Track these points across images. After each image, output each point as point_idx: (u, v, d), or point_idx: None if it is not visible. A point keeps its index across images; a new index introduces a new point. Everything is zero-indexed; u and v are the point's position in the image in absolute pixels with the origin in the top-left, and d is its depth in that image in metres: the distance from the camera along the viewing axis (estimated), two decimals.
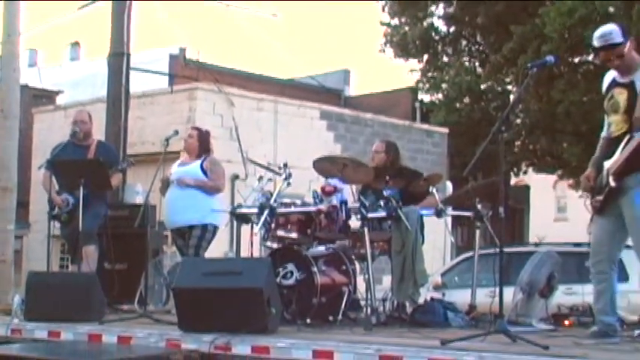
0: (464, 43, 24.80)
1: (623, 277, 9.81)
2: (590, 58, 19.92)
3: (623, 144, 6.37)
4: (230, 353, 6.38)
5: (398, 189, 8.67)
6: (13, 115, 13.87)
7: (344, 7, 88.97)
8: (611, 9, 18.64)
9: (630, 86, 6.44)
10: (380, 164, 9.01)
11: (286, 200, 8.31)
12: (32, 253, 20.10)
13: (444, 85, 24.04)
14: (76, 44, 40.53)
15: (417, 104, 27.19)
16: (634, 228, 6.41)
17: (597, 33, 6.58)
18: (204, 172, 9.38)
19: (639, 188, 6.33)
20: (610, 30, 6.52)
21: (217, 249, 9.79)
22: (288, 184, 8.30)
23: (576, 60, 20.79)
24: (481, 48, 24.46)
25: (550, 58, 7.28)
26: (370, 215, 7.89)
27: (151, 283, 10.27)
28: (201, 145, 9.58)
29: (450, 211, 9.19)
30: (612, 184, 6.43)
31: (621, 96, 6.48)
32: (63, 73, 32.62)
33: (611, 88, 6.61)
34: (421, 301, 8.49)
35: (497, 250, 6.69)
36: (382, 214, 8.07)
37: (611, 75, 6.69)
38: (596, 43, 6.57)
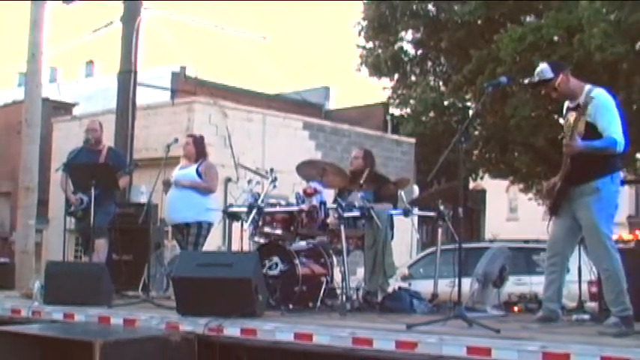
0: (429, 64, 24.81)
1: None
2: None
3: None
4: (222, 334, 6.35)
5: (371, 191, 8.67)
6: (35, 124, 13.87)
7: (325, 32, 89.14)
8: (555, 38, 18.70)
9: (577, 108, 6.49)
10: (357, 168, 8.98)
11: (272, 201, 8.28)
12: (51, 245, 20.03)
13: (411, 101, 24.05)
14: (90, 63, 40.48)
15: (388, 117, 27.18)
16: (590, 232, 6.43)
17: (535, 72, 6.73)
18: (200, 174, 9.37)
19: (594, 196, 6.36)
20: (542, 69, 6.66)
21: (211, 243, 9.75)
22: (274, 186, 8.28)
23: (526, 81, 20.85)
24: (444, 69, 24.47)
25: (503, 79, 7.34)
26: (346, 214, 7.87)
27: (153, 272, 10.22)
28: (198, 149, 9.57)
29: (416, 211, 9.18)
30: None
31: (572, 118, 6.51)
32: (79, 88, 32.51)
33: (567, 113, 6.69)
34: (390, 290, 8.47)
35: (457, 245, 6.70)
36: (356, 213, 8.05)
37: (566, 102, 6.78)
38: (532, 79, 6.71)
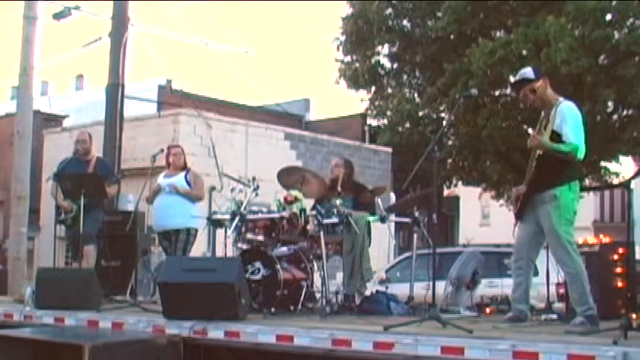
0: (405, 77, 24.78)
1: (534, 272, 9.87)
2: (508, 91, 20.12)
3: None
4: (206, 337, 6.35)
5: (350, 199, 8.67)
6: (26, 135, 13.78)
7: (306, 46, 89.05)
8: (524, 52, 18.81)
9: (548, 118, 6.55)
10: (337, 176, 8.98)
11: (254, 208, 8.29)
12: (42, 252, 19.89)
13: (388, 112, 24.03)
14: (80, 77, 40.23)
15: (366, 128, 27.19)
16: (551, 237, 6.51)
17: (519, 71, 6.82)
18: (188, 183, 9.37)
19: (552, 204, 6.43)
20: (526, 70, 6.77)
21: (196, 249, 9.72)
22: (257, 194, 8.28)
23: (497, 93, 20.94)
24: (419, 81, 24.45)
25: (474, 90, 7.40)
26: (325, 221, 7.87)
27: (140, 277, 10.19)
28: (184, 158, 9.63)
29: (392, 217, 9.20)
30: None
31: (542, 125, 6.60)
32: (69, 100, 32.35)
33: (541, 122, 6.71)
34: (368, 293, 8.48)
35: (432, 250, 6.72)
36: (335, 220, 8.04)
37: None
38: (515, 78, 6.74)
